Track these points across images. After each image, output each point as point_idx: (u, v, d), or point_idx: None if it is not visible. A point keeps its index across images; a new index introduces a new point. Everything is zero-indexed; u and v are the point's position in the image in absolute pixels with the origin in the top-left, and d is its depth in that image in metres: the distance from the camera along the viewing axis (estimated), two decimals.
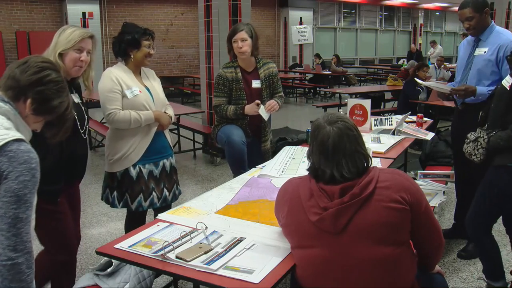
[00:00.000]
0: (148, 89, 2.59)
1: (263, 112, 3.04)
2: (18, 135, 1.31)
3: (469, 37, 2.93)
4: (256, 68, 3.17)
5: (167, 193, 2.64)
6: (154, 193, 2.58)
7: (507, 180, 2.12)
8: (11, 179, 1.24)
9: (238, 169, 2.94)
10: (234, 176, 2.87)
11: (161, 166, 2.61)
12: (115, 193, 2.58)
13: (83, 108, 2.21)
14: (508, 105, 2.08)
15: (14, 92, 1.39)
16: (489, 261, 2.46)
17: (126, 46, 2.51)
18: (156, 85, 2.66)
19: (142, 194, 2.55)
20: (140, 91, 2.52)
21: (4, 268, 1.25)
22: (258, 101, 3.02)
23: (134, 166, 2.53)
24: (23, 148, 1.29)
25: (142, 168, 2.55)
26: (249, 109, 3.02)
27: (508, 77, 2.12)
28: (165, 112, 2.64)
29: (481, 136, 2.19)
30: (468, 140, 2.27)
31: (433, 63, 9.84)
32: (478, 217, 2.37)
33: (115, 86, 2.46)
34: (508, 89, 2.07)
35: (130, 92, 2.48)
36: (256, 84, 3.14)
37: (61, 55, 2.04)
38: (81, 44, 2.07)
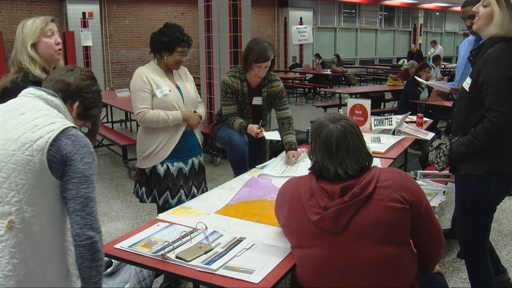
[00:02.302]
0: (178, 89, 2.63)
1: (267, 135, 2.96)
2: (72, 124, 1.38)
3: (470, 37, 2.93)
4: (260, 85, 3.07)
5: (195, 191, 2.71)
6: (182, 190, 2.65)
7: (475, 189, 1.97)
8: (77, 160, 1.29)
9: (239, 169, 2.94)
10: (235, 176, 2.87)
11: (190, 164, 2.69)
12: (143, 188, 2.68)
13: None
14: (468, 108, 1.95)
15: (64, 95, 1.45)
16: (478, 284, 2.20)
17: (160, 47, 2.54)
18: (188, 84, 2.69)
19: (169, 191, 2.63)
20: (170, 91, 2.56)
21: (84, 249, 1.28)
22: (257, 130, 2.91)
23: (162, 163, 2.60)
24: (81, 134, 1.36)
25: (170, 166, 2.62)
26: (250, 130, 2.93)
27: (468, 78, 1.98)
28: (195, 111, 2.67)
29: (444, 143, 2.04)
30: (431, 148, 2.11)
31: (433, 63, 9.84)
32: (463, 235, 2.17)
33: (145, 86, 2.52)
34: (468, 91, 1.94)
35: (160, 91, 2.53)
36: (257, 101, 3.08)
37: (33, 46, 1.99)
38: (49, 28, 2.04)
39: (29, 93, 1.41)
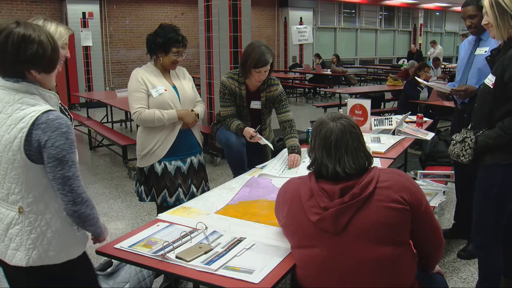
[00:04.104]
0: (175, 88, 2.64)
1: (264, 141, 2.93)
2: (44, 108, 1.41)
3: (470, 37, 2.93)
4: (259, 89, 3.04)
5: (194, 189, 2.71)
6: (180, 189, 2.66)
7: (502, 178, 2.09)
8: (48, 146, 1.38)
9: (237, 170, 2.94)
10: (234, 176, 2.87)
11: (188, 162, 2.70)
12: (143, 187, 2.70)
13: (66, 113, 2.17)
14: (494, 103, 2.06)
15: (18, 75, 1.43)
16: (490, 276, 2.26)
17: (155, 48, 2.56)
18: (185, 83, 2.70)
19: (166, 190, 2.64)
20: (165, 90, 2.58)
21: (73, 218, 1.48)
22: (253, 134, 2.88)
23: (159, 162, 2.62)
24: (52, 117, 1.40)
25: (168, 165, 2.63)
26: (246, 133, 2.91)
27: (490, 75, 2.09)
28: (192, 110, 2.68)
29: (468, 136, 2.17)
30: (454, 142, 2.24)
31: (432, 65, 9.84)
32: (484, 225, 2.23)
33: (141, 86, 2.54)
34: (492, 87, 2.05)
35: (155, 91, 2.55)
36: (255, 105, 3.05)
37: None
38: (67, 41, 2.03)
39: (1, 85, 1.44)
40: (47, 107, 1.43)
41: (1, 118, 1.42)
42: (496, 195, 2.13)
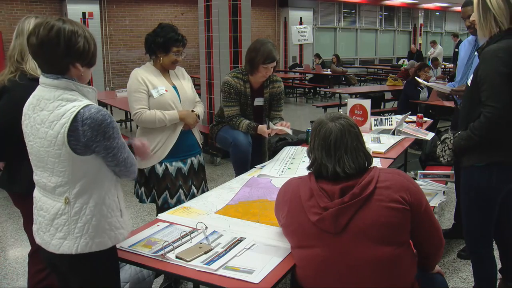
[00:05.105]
0: (175, 88, 2.63)
1: (284, 130, 2.98)
2: (83, 103, 1.45)
3: (470, 37, 2.93)
4: (262, 86, 3.09)
5: (195, 190, 2.70)
6: (181, 190, 2.65)
7: (479, 180, 2.04)
8: (98, 141, 1.45)
9: (241, 170, 2.95)
10: (236, 176, 2.87)
11: (189, 163, 2.69)
12: (143, 188, 2.68)
13: None
14: (470, 103, 2.02)
15: (63, 69, 1.47)
16: (483, 279, 2.24)
17: (155, 48, 2.54)
18: (185, 84, 2.69)
19: (167, 191, 2.63)
20: (166, 90, 2.56)
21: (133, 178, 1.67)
22: (269, 131, 2.94)
23: (160, 163, 2.60)
24: (94, 111, 1.44)
25: (168, 166, 2.62)
26: (261, 131, 2.95)
27: (472, 75, 2.06)
28: (193, 110, 2.67)
29: (448, 137, 2.15)
30: (439, 142, 2.22)
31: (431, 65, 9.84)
32: (470, 228, 2.19)
33: (141, 86, 2.52)
34: (469, 86, 2.02)
35: (156, 91, 2.53)
36: (258, 102, 3.09)
37: None
38: None
39: (42, 82, 1.51)
40: (86, 101, 1.47)
41: (43, 115, 1.47)
42: (476, 197, 2.09)
